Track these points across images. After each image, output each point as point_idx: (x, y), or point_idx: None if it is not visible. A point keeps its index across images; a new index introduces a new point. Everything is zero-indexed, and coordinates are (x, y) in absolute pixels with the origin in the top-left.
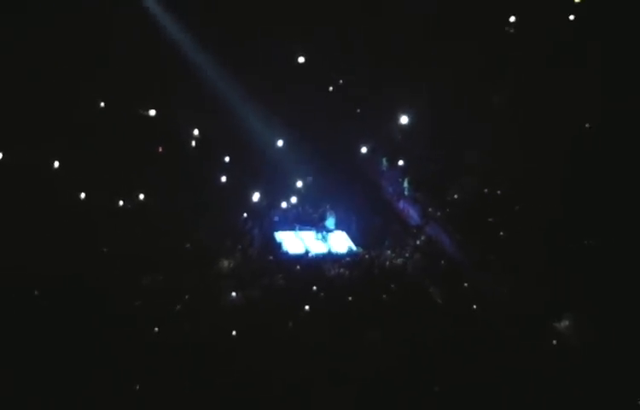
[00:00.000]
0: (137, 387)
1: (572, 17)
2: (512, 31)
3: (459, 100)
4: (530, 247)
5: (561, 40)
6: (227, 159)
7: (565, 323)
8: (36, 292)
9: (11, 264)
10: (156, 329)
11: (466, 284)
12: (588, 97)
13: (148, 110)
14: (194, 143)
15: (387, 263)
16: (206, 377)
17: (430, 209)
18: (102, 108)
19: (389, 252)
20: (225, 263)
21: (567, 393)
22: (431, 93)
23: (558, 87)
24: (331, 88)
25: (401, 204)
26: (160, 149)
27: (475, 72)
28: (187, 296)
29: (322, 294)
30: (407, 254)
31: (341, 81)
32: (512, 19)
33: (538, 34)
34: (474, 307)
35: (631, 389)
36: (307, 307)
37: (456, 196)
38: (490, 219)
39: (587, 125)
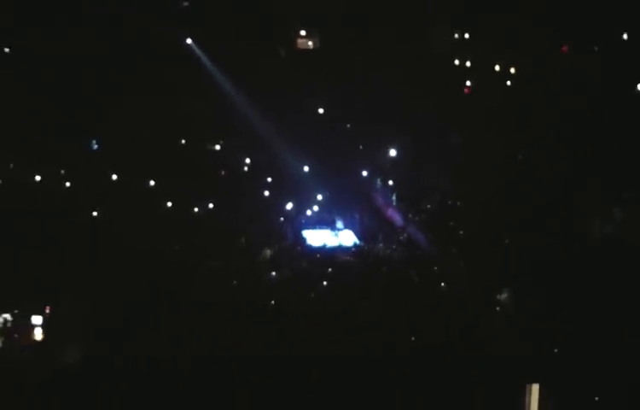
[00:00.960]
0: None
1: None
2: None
3: (430, 139)
4: (479, 241)
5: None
6: (269, 179)
7: (504, 295)
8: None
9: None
10: (218, 297)
11: (435, 268)
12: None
13: (214, 145)
14: (246, 168)
15: (380, 253)
16: (252, 332)
17: (410, 215)
18: (184, 143)
19: (381, 245)
20: (267, 252)
21: (504, 346)
22: (411, 135)
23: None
24: (341, 131)
25: (390, 211)
26: (223, 173)
27: (440, 121)
28: (241, 274)
29: (334, 274)
30: (394, 247)
31: (349, 125)
32: (468, 83)
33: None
34: (442, 284)
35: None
36: (324, 283)
37: (428, 206)
38: (451, 223)
39: (519, 157)
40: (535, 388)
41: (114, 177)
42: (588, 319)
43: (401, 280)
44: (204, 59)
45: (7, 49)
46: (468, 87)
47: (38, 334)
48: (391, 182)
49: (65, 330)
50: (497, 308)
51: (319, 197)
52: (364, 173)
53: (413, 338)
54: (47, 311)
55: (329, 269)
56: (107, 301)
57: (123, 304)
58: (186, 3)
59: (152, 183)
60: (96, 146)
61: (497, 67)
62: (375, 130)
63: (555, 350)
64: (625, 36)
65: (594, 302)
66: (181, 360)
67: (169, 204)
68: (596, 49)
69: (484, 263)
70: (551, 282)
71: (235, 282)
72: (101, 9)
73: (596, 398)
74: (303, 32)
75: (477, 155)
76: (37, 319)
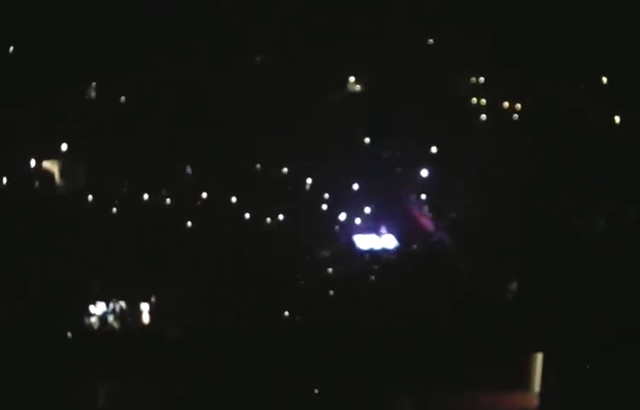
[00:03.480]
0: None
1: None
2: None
3: (454, 162)
4: (494, 243)
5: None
6: (327, 195)
7: (513, 285)
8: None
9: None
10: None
11: (460, 264)
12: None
13: (283, 168)
14: (308, 187)
15: (415, 252)
16: (313, 317)
17: (438, 222)
18: (259, 168)
19: (415, 246)
20: (326, 253)
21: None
22: (439, 159)
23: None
24: (384, 156)
25: (422, 219)
26: (289, 189)
27: (461, 148)
28: (306, 271)
29: (379, 270)
30: (425, 247)
31: (390, 152)
32: (483, 117)
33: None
34: (463, 277)
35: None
36: (372, 277)
37: (453, 215)
38: (471, 228)
39: (525, 176)
40: (539, 356)
41: (204, 195)
42: (583, 303)
43: (432, 274)
44: (277, 101)
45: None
46: (483, 120)
47: (146, 318)
48: (423, 196)
49: (167, 314)
50: (509, 296)
51: (367, 210)
52: (402, 189)
53: (439, 316)
54: (152, 299)
55: (375, 266)
56: (199, 293)
57: (210, 294)
58: (259, 59)
59: (234, 199)
60: (189, 170)
61: (505, 104)
62: (411, 156)
63: (556, 327)
64: (604, 79)
65: (589, 289)
66: (258, 336)
67: (247, 216)
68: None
69: (498, 259)
70: (552, 274)
71: (301, 279)
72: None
73: (588, 366)
74: (352, 79)
75: (491, 174)
76: (144, 306)
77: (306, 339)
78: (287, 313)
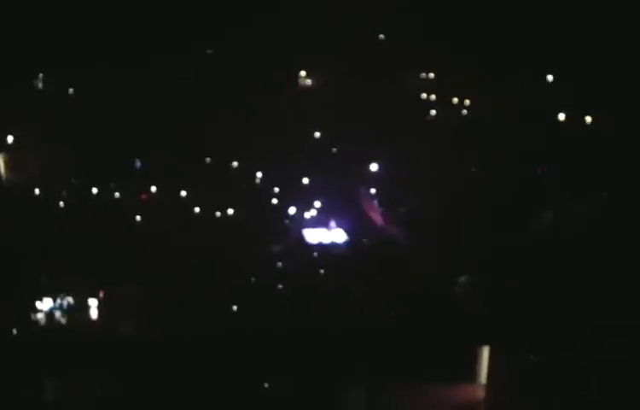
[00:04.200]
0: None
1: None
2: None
3: (404, 157)
4: (443, 237)
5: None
6: (277, 189)
7: (463, 278)
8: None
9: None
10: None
11: (408, 258)
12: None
13: (233, 162)
14: (258, 181)
15: (365, 246)
16: (264, 309)
17: (388, 216)
18: (209, 162)
19: (364, 240)
20: (276, 247)
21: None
22: (389, 154)
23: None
24: (335, 151)
25: (373, 213)
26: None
27: (411, 143)
28: (256, 265)
29: (329, 263)
30: (376, 241)
31: (340, 146)
32: (432, 113)
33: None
34: (413, 271)
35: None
36: (322, 271)
37: (402, 210)
38: (421, 222)
39: (474, 170)
40: (485, 349)
41: (153, 189)
42: (530, 296)
43: (381, 267)
44: (227, 96)
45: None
46: (432, 116)
47: (94, 313)
48: (373, 190)
49: (115, 310)
50: (457, 290)
51: (317, 204)
52: (352, 184)
53: (390, 311)
54: (101, 295)
55: (325, 260)
56: (148, 287)
57: (160, 289)
58: (210, 52)
59: (183, 193)
60: (139, 164)
61: (454, 100)
62: (361, 150)
63: (503, 321)
64: (550, 77)
65: (536, 284)
66: (206, 332)
67: (197, 210)
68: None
69: (447, 254)
70: (500, 269)
71: (250, 273)
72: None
73: (533, 358)
74: (303, 73)
75: (439, 168)
76: (92, 302)
77: (256, 335)
78: (237, 307)
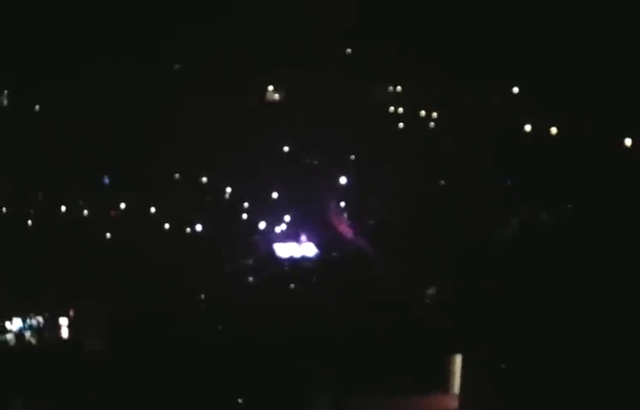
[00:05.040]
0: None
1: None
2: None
3: (372, 170)
4: (411, 249)
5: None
6: (246, 204)
7: (432, 290)
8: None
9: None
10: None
11: (378, 271)
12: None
13: (202, 178)
14: (227, 196)
15: (334, 259)
16: (233, 323)
17: (357, 229)
18: (177, 177)
19: (334, 253)
20: (246, 261)
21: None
22: (357, 167)
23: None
24: (303, 165)
25: (342, 226)
26: (209, 199)
27: (379, 155)
28: (225, 279)
29: (299, 277)
30: (345, 254)
31: (308, 161)
32: (400, 125)
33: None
34: (382, 283)
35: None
36: (292, 285)
37: (371, 222)
38: (389, 234)
39: (441, 183)
40: (458, 358)
41: (122, 205)
42: (498, 305)
43: (351, 279)
44: (195, 111)
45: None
46: (400, 128)
47: (65, 332)
48: (342, 204)
49: (85, 329)
50: (427, 300)
51: (286, 218)
52: (322, 198)
53: (359, 322)
54: (71, 314)
55: (295, 273)
56: (119, 305)
57: (131, 306)
58: (177, 66)
59: (152, 209)
60: (107, 181)
61: (422, 113)
62: (330, 164)
63: (473, 329)
64: (515, 89)
65: (503, 292)
66: (181, 347)
67: (166, 226)
68: (496, 100)
69: (416, 265)
70: (468, 278)
71: (218, 287)
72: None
73: (504, 366)
74: (271, 87)
75: (408, 180)
76: (63, 321)
77: (227, 347)
78: (207, 322)
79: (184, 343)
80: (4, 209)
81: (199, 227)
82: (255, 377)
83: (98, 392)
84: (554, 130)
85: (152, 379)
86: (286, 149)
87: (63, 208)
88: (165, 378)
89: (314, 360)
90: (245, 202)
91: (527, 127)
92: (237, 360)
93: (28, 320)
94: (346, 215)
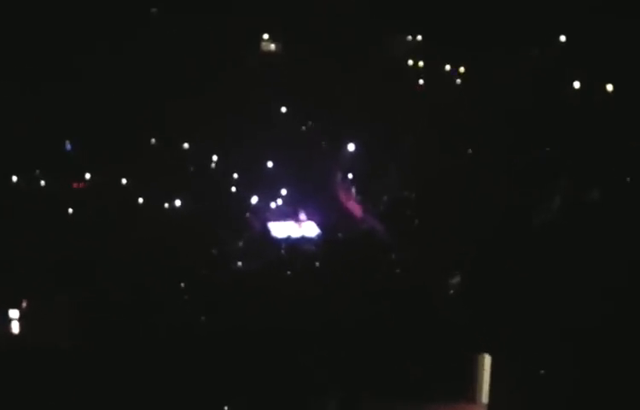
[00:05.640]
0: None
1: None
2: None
3: (387, 135)
4: (433, 229)
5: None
6: (235, 175)
7: (456, 279)
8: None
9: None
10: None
11: (393, 255)
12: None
13: (183, 144)
14: (213, 166)
15: (340, 241)
16: (220, 318)
17: (368, 206)
18: (154, 143)
19: (340, 235)
20: (236, 244)
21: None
22: (369, 132)
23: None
24: (304, 129)
25: (349, 203)
26: (191, 170)
27: (395, 118)
28: (210, 265)
29: (298, 263)
30: (353, 235)
31: (311, 124)
32: (420, 82)
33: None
34: (397, 270)
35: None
36: (289, 272)
37: (385, 198)
38: (407, 212)
39: (469, 151)
40: (486, 360)
41: (87, 176)
42: (536, 298)
43: (360, 265)
44: (173, 61)
45: None
46: (421, 86)
47: (15, 327)
48: (350, 176)
49: (44, 323)
50: (450, 291)
51: (283, 192)
52: (326, 168)
53: (369, 315)
54: (24, 305)
55: (294, 259)
56: (85, 295)
57: (99, 297)
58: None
59: (124, 181)
60: (69, 146)
61: (447, 67)
62: (336, 128)
63: (505, 326)
64: (562, 37)
65: (542, 282)
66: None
67: (140, 201)
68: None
69: (437, 250)
70: (500, 265)
71: (203, 272)
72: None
73: (543, 371)
74: (266, 36)
75: (428, 149)
76: (14, 313)
77: (214, 344)
78: (189, 315)
79: (162, 341)
80: None
81: (179, 203)
82: (246, 380)
83: (60, 399)
84: (609, 87)
85: (125, 382)
86: (283, 109)
87: (14, 179)
88: (140, 381)
89: (316, 359)
90: (234, 172)
91: (576, 84)
92: (225, 360)
93: None
94: (354, 190)
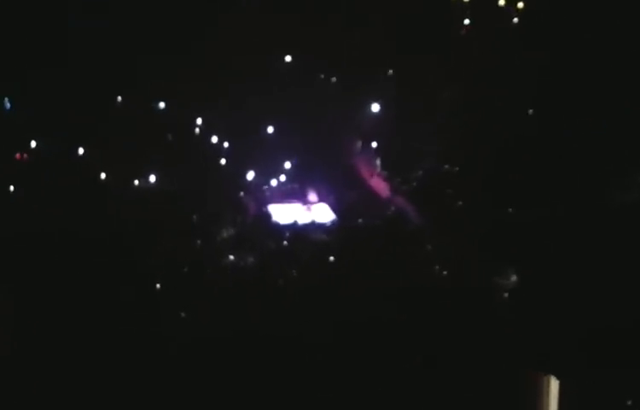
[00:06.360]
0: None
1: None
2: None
3: (422, 91)
4: (481, 214)
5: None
6: (225, 144)
7: (512, 278)
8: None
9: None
10: (158, 286)
11: (429, 247)
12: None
13: (158, 102)
14: (197, 131)
15: (361, 229)
16: (208, 328)
17: (397, 184)
18: (120, 101)
19: (360, 221)
20: (224, 232)
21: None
22: (398, 86)
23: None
24: (313, 81)
25: (373, 180)
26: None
27: (433, 69)
28: (192, 260)
29: (307, 257)
30: (378, 221)
31: (322, 75)
32: (466, 22)
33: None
34: (436, 266)
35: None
36: (294, 272)
37: (420, 172)
38: (448, 192)
39: (529, 112)
40: (553, 384)
41: (33, 144)
42: (620, 303)
43: (386, 259)
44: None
45: None
46: (467, 26)
47: None
48: (374, 144)
49: None
50: (505, 295)
51: (287, 165)
52: (342, 135)
53: (399, 323)
54: None
55: (301, 251)
56: (29, 292)
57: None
58: None
59: (81, 151)
60: (8, 105)
61: (500, 2)
62: (355, 80)
63: (576, 340)
64: None
65: (624, 284)
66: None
67: (103, 176)
68: None
69: (487, 240)
70: (568, 263)
71: (185, 269)
72: None
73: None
74: None
75: (478, 109)
76: None
77: (196, 360)
78: (167, 322)
79: (128, 353)
80: None
81: (153, 179)
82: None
83: None
84: None
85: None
86: (288, 58)
87: None
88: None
89: (334, 378)
90: (224, 141)
91: None
92: (208, 382)
93: None
94: (378, 162)
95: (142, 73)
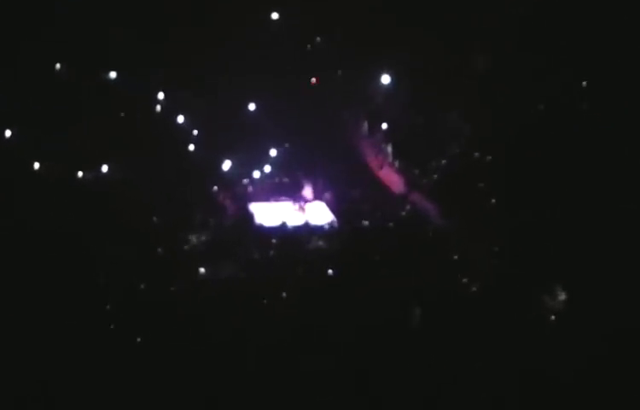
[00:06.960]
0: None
1: None
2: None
3: (442, 64)
4: (517, 214)
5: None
6: (196, 131)
7: (560, 296)
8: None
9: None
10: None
11: (455, 256)
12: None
13: (110, 74)
14: (159, 109)
15: (368, 234)
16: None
17: (413, 176)
18: (60, 70)
19: (367, 222)
20: (193, 238)
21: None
22: (414, 57)
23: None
24: (309, 47)
25: (383, 171)
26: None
27: (455, 38)
28: (154, 272)
29: (299, 268)
30: (390, 225)
31: (319, 40)
32: None
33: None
34: (464, 279)
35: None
36: (284, 294)
37: (443, 162)
38: (479, 185)
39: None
40: None
41: None
42: None
43: (399, 272)
44: None
45: None
46: None
47: None
48: (384, 126)
49: None
50: (551, 314)
51: (273, 153)
52: (345, 116)
53: (419, 350)
54: None
55: (291, 263)
56: None
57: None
58: None
59: (8, 133)
60: None
61: None
62: (361, 49)
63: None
64: None
65: None
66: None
67: (36, 166)
68: None
69: (527, 247)
70: (628, 273)
71: (142, 286)
72: None
73: None
74: None
75: (510, 86)
76: None
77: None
78: (123, 348)
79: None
80: None
81: (106, 169)
82: None
83: None
84: None
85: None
86: (275, 16)
87: None
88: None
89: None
90: (195, 123)
91: None
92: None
93: None
94: (390, 150)
95: (91, 35)
